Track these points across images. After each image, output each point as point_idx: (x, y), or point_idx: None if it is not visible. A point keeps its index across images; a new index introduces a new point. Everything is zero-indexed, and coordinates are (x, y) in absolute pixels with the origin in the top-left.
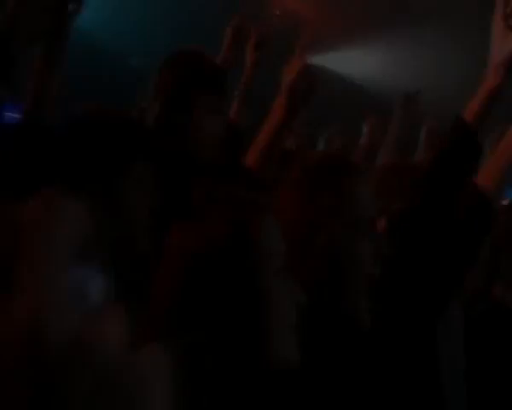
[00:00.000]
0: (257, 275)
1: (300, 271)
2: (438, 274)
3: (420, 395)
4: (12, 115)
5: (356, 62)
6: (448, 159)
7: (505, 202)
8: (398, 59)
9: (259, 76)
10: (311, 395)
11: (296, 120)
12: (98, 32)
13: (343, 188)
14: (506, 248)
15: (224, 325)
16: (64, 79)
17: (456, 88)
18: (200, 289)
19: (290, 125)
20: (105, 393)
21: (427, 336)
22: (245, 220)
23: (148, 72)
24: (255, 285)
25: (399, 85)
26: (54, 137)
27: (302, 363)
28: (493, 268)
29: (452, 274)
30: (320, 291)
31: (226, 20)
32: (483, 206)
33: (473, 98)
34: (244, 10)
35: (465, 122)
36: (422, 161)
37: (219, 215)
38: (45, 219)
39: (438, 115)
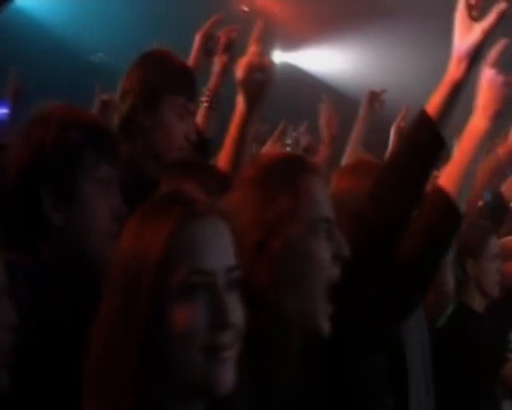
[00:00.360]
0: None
1: (256, 275)
2: (401, 276)
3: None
4: None
5: (326, 61)
6: (409, 153)
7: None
8: (369, 58)
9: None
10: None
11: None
12: (59, 27)
13: (300, 189)
14: (472, 251)
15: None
16: (25, 74)
17: (428, 86)
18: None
19: (252, 120)
20: None
21: (390, 341)
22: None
23: (108, 68)
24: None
25: (369, 84)
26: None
27: (258, 373)
28: (462, 270)
29: (416, 275)
30: (276, 296)
31: (191, 18)
32: (447, 207)
33: (436, 91)
34: (210, 8)
35: (427, 115)
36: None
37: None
38: None
39: (408, 114)
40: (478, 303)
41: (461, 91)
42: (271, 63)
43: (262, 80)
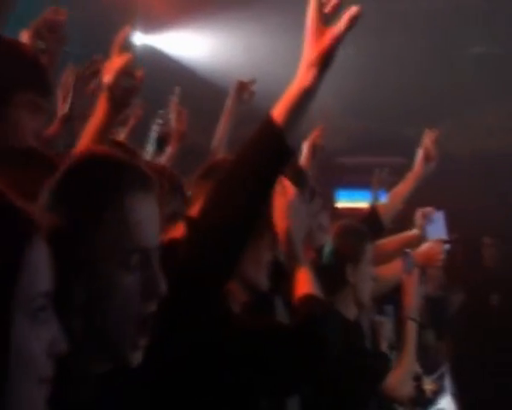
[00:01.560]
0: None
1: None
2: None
3: None
4: None
5: (190, 45)
6: (252, 162)
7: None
8: (238, 44)
9: None
10: None
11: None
12: None
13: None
14: (352, 257)
15: None
16: None
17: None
18: None
19: (112, 124)
20: None
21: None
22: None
23: None
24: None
25: (238, 72)
26: None
27: None
28: (339, 277)
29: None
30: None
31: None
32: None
33: (283, 97)
34: None
35: (273, 122)
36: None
37: None
38: None
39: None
40: (350, 311)
41: (310, 99)
42: (141, 71)
43: (130, 87)
